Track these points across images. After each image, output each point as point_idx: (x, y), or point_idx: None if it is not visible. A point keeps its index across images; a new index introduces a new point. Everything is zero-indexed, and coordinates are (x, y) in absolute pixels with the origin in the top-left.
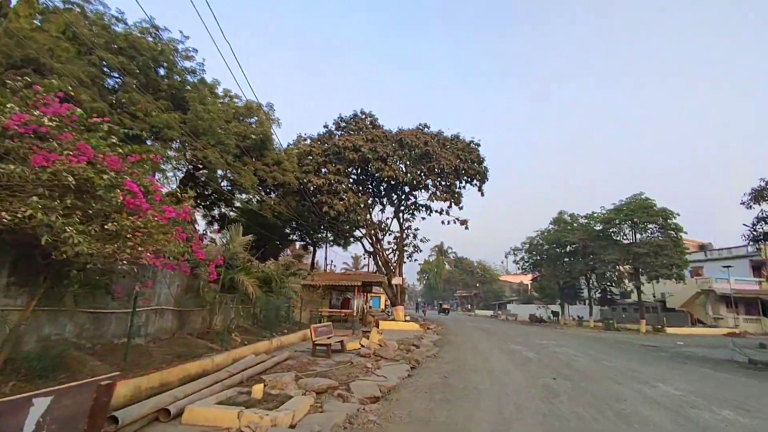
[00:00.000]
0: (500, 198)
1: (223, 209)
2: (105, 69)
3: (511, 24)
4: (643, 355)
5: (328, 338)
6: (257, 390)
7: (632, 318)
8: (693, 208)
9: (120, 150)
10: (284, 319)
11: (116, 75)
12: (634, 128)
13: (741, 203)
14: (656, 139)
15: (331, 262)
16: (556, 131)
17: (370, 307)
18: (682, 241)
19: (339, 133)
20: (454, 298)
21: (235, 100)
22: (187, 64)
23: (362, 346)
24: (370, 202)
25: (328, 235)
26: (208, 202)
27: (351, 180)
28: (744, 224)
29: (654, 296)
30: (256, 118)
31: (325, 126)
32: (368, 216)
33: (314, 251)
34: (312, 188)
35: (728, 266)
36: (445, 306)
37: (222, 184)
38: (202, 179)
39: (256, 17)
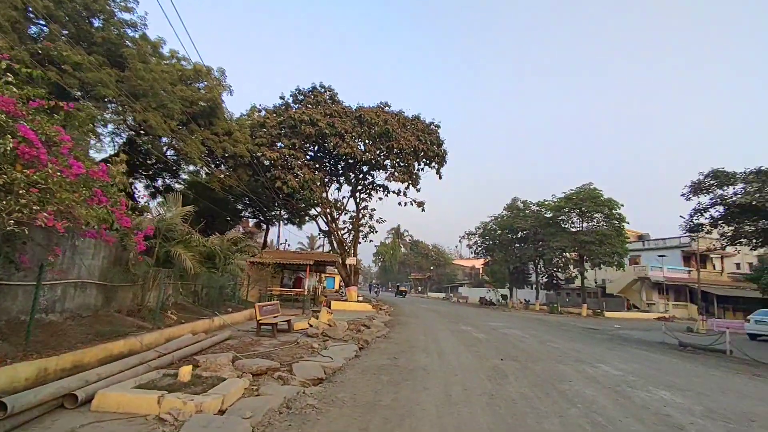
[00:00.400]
0: (458, 183)
1: (167, 180)
2: (30, 14)
3: (477, 14)
4: (585, 337)
5: (275, 317)
6: (184, 372)
7: (575, 302)
8: (631, 200)
9: (15, 90)
10: (229, 297)
11: (42, 22)
12: (585, 124)
13: (681, 195)
14: (604, 135)
15: (285, 241)
16: (514, 121)
17: (324, 287)
18: (625, 230)
19: (296, 106)
20: (409, 280)
21: (183, 62)
22: (126, 16)
23: (310, 325)
24: (326, 180)
25: (283, 212)
26: (150, 172)
27: (308, 157)
28: (681, 216)
29: (595, 282)
30: (205, 83)
31: (282, 98)
32: (324, 194)
33: (267, 229)
34: (266, 162)
35: (663, 255)
36: (402, 288)
37: (167, 153)
38: (145, 147)
39: None
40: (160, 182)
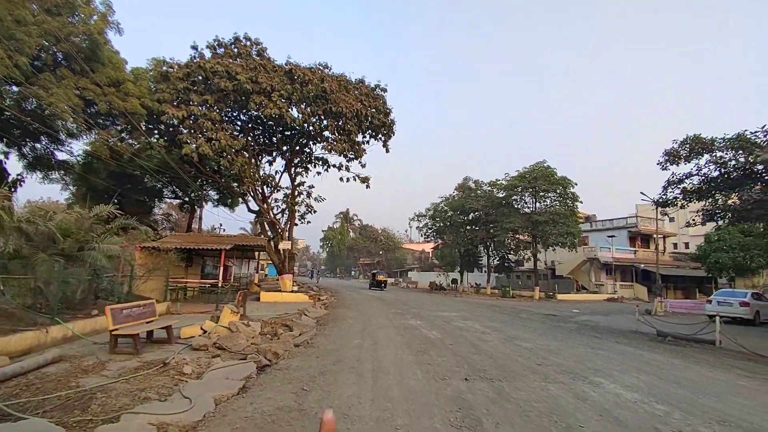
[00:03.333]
0: (411, 163)
1: (47, 148)
2: None
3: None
4: (551, 328)
5: (148, 323)
6: None
7: (526, 285)
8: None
9: None
10: (107, 293)
11: None
12: (530, 105)
13: (657, 164)
14: (549, 119)
15: (220, 225)
16: (467, 98)
17: (266, 275)
18: (578, 211)
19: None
20: (357, 265)
21: None
22: None
23: (204, 331)
24: (257, 152)
25: (210, 192)
26: (18, 138)
27: (237, 126)
28: (641, 192)
29: (545, 264)
30: (81, 15)
31: (194, 47)
32: (254, 168)
33: (192, 211)
34: (174, 122)
35: (612, 236)
36: (381, 277)
37: (46, 112)
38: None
39: None
40: (40, 150)
